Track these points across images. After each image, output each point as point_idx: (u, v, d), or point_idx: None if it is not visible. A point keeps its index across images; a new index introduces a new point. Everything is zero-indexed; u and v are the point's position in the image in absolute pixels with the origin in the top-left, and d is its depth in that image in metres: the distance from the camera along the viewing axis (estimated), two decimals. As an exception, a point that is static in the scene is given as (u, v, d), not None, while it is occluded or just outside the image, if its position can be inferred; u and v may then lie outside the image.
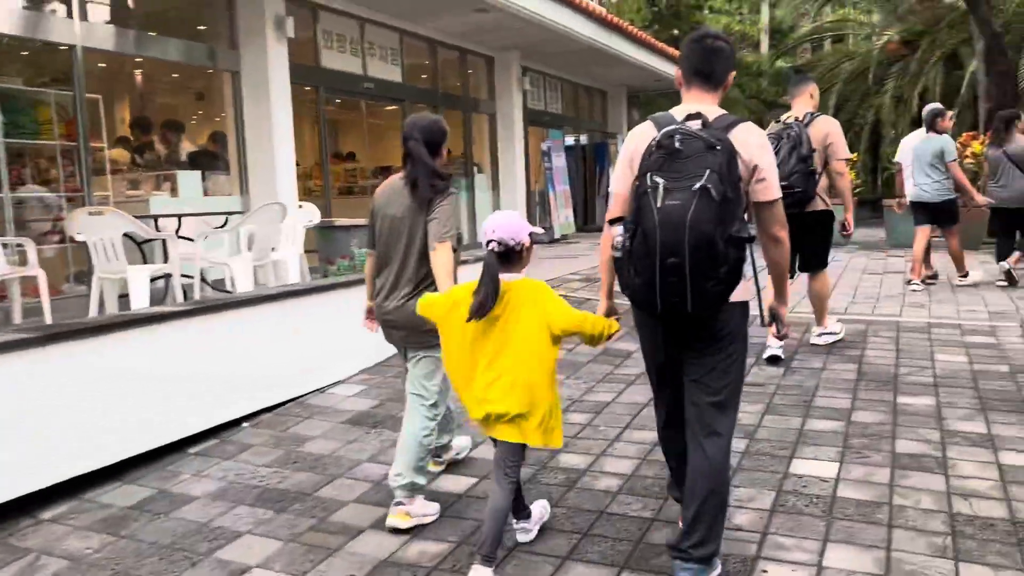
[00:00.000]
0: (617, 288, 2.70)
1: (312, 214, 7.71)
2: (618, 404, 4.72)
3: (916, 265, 8.07)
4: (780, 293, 2.81)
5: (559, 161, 14.89)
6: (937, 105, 8.40)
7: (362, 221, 8.74)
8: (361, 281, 5.47)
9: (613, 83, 18.52)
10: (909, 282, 8.07)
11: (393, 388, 5.13)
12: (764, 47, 24.92)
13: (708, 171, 2.31)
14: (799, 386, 4.85)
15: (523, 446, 2.77)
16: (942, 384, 4.82)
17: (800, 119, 5.27)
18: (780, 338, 2.89)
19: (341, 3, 9.89)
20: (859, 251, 11.69)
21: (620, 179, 2.69)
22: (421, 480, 3.27)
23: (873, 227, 14.87)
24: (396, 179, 3.37)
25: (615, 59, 15.04)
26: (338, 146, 14.81)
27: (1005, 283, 8.00)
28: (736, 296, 2.51)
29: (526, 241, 2.80)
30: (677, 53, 18.50)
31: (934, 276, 8.47)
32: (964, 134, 12.15)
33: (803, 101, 5.44)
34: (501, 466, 2.79)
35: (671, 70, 17.53)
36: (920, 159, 8.00)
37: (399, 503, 3.22)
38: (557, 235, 14.44)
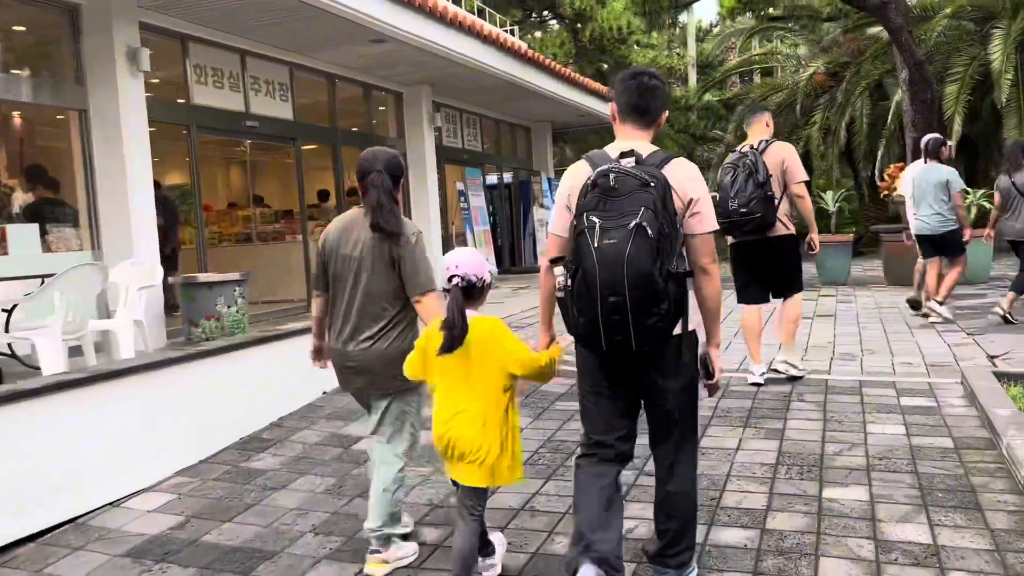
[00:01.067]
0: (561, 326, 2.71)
1: (152, 273, 6.67)
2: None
3: (932, 289, 7.80)
4: (711, 335, 2.73)
5: (477, 201, 14.08)
6: (937, 135, 8.18)
7: (232, 276, 7.81)
8: (203, 353, 4.99)
9: (537, 119, 17.88)
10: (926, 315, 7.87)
11: (209, 498, 4.12)
12: (692, 81, 24.67)
13: (643, 208, 2.35)
14: (707, 475, 3.98)
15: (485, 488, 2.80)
16: (876, 467, 4.00)
17: (755, 146, 5.38)
18: (710, 389, 2.77)
19: (215, 34, 8.95)
20: (790, 290, 11.06)
21: (557, 220, 2.71)
22: (398, 530, 3.24)
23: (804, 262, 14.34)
24: (349, 216, 3.26)
25: (535, 94, 14.39)
26: (255, 189, 13.82)
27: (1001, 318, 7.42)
28: (676, 329, 2.54)
29: (487, 278, 2.86)
30: (603, 88, 18.13)
31: (916, 304, 8.24)
32: (891, 166, 11.67)
33: (759, 130, 5.58)
34: (465, 506, 2.83)
35: (596, 106, 17.02)
36: (922, 190, 7.66)
37: (375, 551, 3.18)
38: (477, 279, 13.54)
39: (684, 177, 2.58)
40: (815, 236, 5.54)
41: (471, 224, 13.63)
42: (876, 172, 18.17)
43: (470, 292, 2.81)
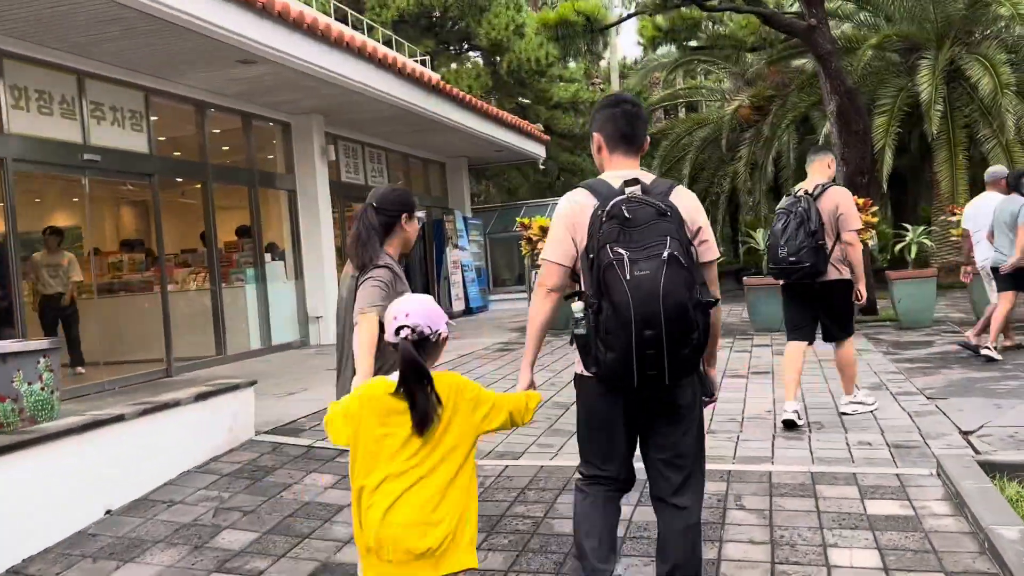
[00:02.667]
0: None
1: None
2: None
3: (996, 331, 7.30)
4: (711, 355, 2.74)
5: (379, 243, 12.69)
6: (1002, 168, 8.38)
7: (36, 344, 6.27)
8: None
9: (451, 154, 16.71)
10: (977, 349, 7.36)
11: None
12: (617, 116, 23.92)
13: (668, 238, 2.33)
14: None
15: None
16: (851, 635, 2.77)
17: (810, 191, 5.26)
18: (707, 405, 2.75)
19: (39, 50, 7.48)
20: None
21: (559, 248, 2.59)
22: None
23: (733, 302, 13.38)
24: None
25: (445, 127, 13.23)
26: (127, 231, 12.16)
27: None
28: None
29: (444, 331, 2.44)
30: (523, 123, 17.11)
31: (1018, 347, 7.75)
32: (860, 200, 10.71)
33: (819, 171, 5.42)
34: None
35: (514, 140, 15.96)
36: (1002, 222, 7.34)
37: None
38: (380, 330, 12.13)
39: (690, 205, 2.56)
40: (862, 287, 5.36)
41: (371, 269, 12.23)
42: (805, 208, 17.53)
43: (422, 346, 2.35)
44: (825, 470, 4.44)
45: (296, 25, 8.56)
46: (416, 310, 2.38)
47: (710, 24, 15.79)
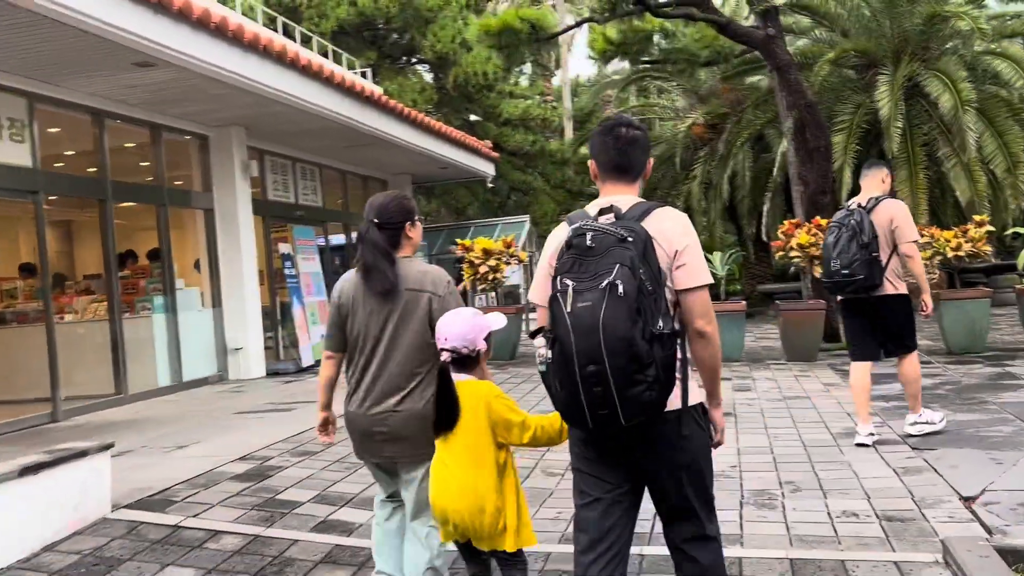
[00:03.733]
0: None
1: None
2: None
3: None
4: (711, 394, 2.52)
5: (310, 266, 11.72)
6: None
7: None
8: None
9: (393, 171, 15.77)
10: None
11: None
12: (569, 134, 23.27)
13: (617, 266, 2.19)
14: None
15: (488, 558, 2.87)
16: None
17: (863, 204, 5.25)
18: (714, 446, 2.56)
19: None
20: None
21: (538, 287, 2.54)
22: None
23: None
24: None
25: (385, 142, 12.31)
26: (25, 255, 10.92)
27: None
28: (675, 403, 2.32)
29: (482, 346, 2.78)
30: (470, 139, 16.25)
31: None
32: (786, 222, 10.09)
33: (873, 185, 5.40)
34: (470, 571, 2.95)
35: (459, 157, 15.12)
36: None
37: None
38: (309, 360, 11.12)
39: (668, 227, 2.37)
40: (927, 298, 5.36)
41: (299, 295, 11.22)
42: (762, 229, 16.98)
43: (463, 363, 2.76)
44: (807, 556, 3.60)
45: (201, 24, 7.60)
46: (453, 331, 2.74)
47: (663, 38, 15.18)
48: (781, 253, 9.82)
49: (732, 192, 17.01)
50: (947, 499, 4.21)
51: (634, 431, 2.25)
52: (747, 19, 15.14)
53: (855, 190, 14.65)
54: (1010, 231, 13.26)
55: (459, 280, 10.05)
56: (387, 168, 15.37)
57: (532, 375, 8.78)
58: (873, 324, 5.37)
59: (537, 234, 20.59)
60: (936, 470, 4.71)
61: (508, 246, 10.50)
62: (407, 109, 12.77)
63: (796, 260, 9.59)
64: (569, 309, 2.19)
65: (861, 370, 5.43)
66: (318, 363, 12.21)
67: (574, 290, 2.20)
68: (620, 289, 2.14)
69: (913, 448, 5.25)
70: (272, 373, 10.67)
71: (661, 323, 2.20)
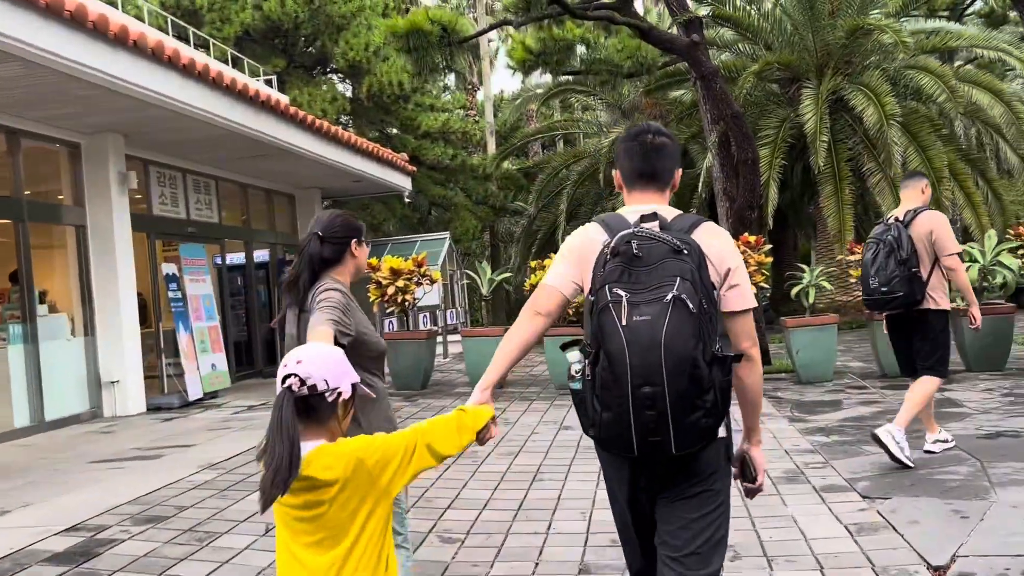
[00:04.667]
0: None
1: None
2: None
3: None
4: (752, 429, 2.36)
5: (199, 288, 10.62)
6: None
7: None
8: None
9: (302, 185, 14.74)
10: None
11: None
12: (491, 148, 22.59)
13: (678, 278, 2.00)
14: None
15: None
16: None
17: (900, 219, 5.13)
18: (751, 493, 2.38)
19: None
20: (561, 397, 8.47)
21: (561, 276, 2.28)
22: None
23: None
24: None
25: (288, 153, 11.34)
26: None
27: None
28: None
29: (346, 392, 1.88)
30: (383, 151, 15.35)
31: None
32: (752, 236, 9.41)
33: (912, 197, 5.25)
34: None
35: (371, 169, 14.20)
36: None
37: None
38: (198, 393, 10.01)
39: (719, 245, 2.19)
40: (975, 310, 5.21)
41: (185, 320, 10.12)
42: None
43: (312, 406, 1.83)
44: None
45: (51, 11, 6.56)
46: (314, 358, 1.87)
47: (584, 48, 14.64)
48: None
49: (657, 209, 16.55)
50: (912, 568, 3.54)
51: (674, 462, 2.10)
52: (671, 30, 14.73)
53: (781, 205, 14.49)
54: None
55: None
56: (294, 181, 14.35)
57: (448, 405, 7.94)
58: (904, 342, 5.26)
59: (459, 251, 19.81)
60: (894, 527, 4.05)
61: (420, 265, 9.65)
62: (312, 118, 11.81)
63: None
64: (624, 322, 1.97)
65: (925, 383, 5.18)
66: (207, 396, 11.25)
67: (629, 302, 1.99)
68: (686, 303, 1.96)
69: (863, 496, 4.60)
70: (153, 408, 9.54)
71: (720, 345, 2.03)
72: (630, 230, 2.11)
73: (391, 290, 9.30)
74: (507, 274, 11.00)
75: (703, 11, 14.88)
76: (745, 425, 2.33)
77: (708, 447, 2.11)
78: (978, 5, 21.73)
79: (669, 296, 1.95)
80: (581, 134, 21.56)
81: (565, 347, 2.22)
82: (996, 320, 8.26)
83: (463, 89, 29.77)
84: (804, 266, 9.57)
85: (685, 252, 2.02)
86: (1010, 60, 13.63)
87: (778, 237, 18.21)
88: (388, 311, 9.61)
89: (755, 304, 2.25)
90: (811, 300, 9.01)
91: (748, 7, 15.10)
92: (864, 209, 16.03)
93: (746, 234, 9.22)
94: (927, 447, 5.33)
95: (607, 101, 19.10)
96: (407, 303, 9.40)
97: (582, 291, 2.25)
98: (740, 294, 2.19)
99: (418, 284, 9.49)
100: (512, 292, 19.55)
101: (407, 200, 17.22)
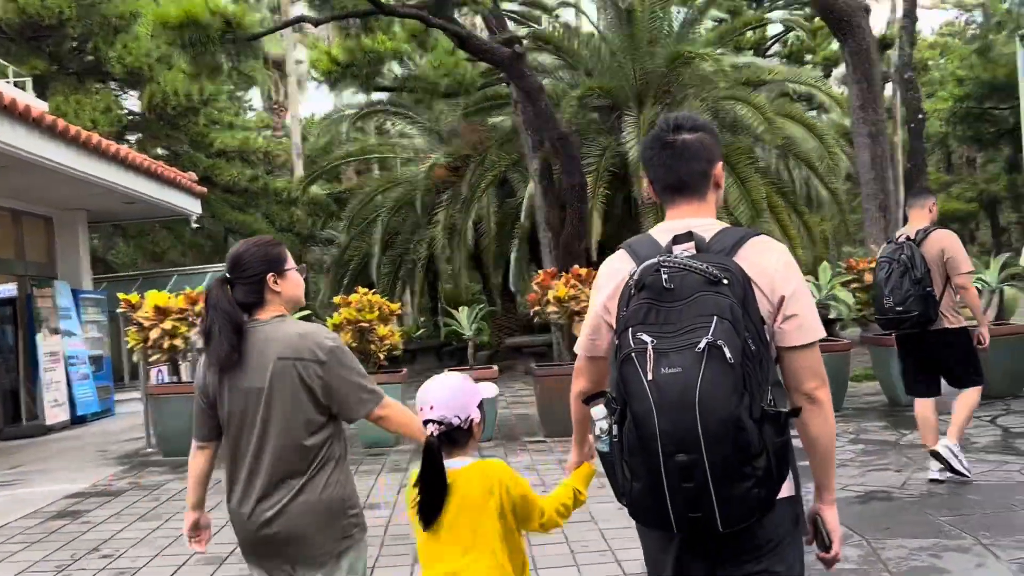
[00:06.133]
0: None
1: None
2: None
3: None
4: (825, 486, 1.96)
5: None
6: None
7: None
8: None
9: (59, 205, 12.43)
10: None
11: None
12: (299, 171, 20.84)
13: (715, 319, 1.67)
14: None
15: None
16: None
17: (912, 237, 5.15)
18: (827, 564, 1.96)
19: None
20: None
21: (587, 335, 2.05)
22: None
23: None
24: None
25: (33, 166, 9.25)
26: None
27: None
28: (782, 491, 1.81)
29: (476, 416, 2.23)
30: (165, 169, 13.22)
31: None
32: (541, 273, 8.54)
33: (921, 216, 5.29)
34: None
35: (148, 189, 12.17)
36: None
37: None
38: None
39: (771, 264, 1.84)
40: (985, 331, 5.25)
41: None
42: (509, 278, 15.72)
43: (453, 438, 2.19)
44: None
45: None
46: (440, 398, 2.21)
47: (398, 63, 13.50)
48: (537, 308, 8.23)
49: (477, 239, 15.66)
50: None
51: (728, 537, 1.74)
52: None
53: (606, 237, 13.98)
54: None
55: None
56: (51, 201, 12.06)
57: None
58: (928, 361, 5.24)
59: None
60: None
61: (194, 303, 7.94)
62: (67, 126, 9.76)
63: (554, 317, 8.03)
64: (651, 376, 1.66)
65: (924, 408, 5.23)
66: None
67: (656, 349, 1.67)
68: (723, 351, 1.63)
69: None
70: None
71: (772, 397, 1.72)
72: (656, 258, 1.79)
73: (155, 333, 7.54)
74: (304, 312, 9.43)
75: (523, 31, 14.23)
76: (816, 482, 1.96)
77: (767, 515, 1.77)
78: (776, 47, 22.82)
79: (703, 344, 1.65)
80: (398, 160, 20.40)
81: (588, 400, 1.97)
82: (833, 358, 7.80)
83: (271, 109, 27.84)
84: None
85: (725, 282, 1.72)
86: (819, 95, 13.88)
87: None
88: (151, 359, 7.81)
89: (821, 335, 1.87)
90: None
91: (567, 32, 14.60)
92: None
93: (576, 267, 8.32)
94: (939, 448, 5.16)
95: (424, 125, 18.06)
96: (176, 350, 7.66)
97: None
98: (800, 325, 1.84)
99: (192, 325, 7.79)
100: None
101: (194, 226, 15.17)
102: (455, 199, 15.84)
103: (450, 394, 2.22)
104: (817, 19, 21.31)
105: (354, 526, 2.46)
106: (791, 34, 22.46)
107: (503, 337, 17.96)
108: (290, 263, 2.56)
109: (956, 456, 5.13)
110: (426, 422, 2.20)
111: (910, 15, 14.88)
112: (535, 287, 8.37)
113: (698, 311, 1.68)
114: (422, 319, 21.23)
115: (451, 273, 16.71)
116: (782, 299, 1.82)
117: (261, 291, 2.47)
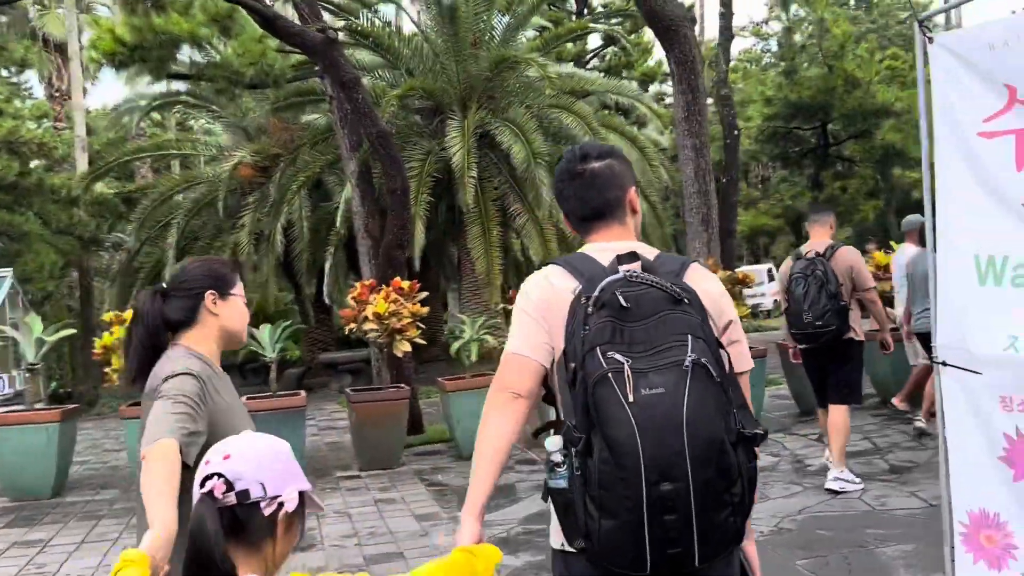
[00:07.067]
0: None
1: None
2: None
3: (928, 404, 6.37)
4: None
5: None
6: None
7: None
8: None
9: None
10: (917, 425, 6.73)
11: None
12: (83, 166, 18.49)
13: (689, 337, 1.62)
14: None
15: None
16: None
17: (821, 253, 5.28)
18: None
19: None
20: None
21: (531, 338, 1.80)
22: None
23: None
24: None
25: None
26: None
27: None
28: None
29: (290, 501, 1.45)
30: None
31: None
32: (359, 285, 7.65)
33: (822, 233, 5.45)
34: None
35: None
36: (921, 278, 6.02)
37: None
38: None
39: (715, 290, 1.85)
40: (888, 336, 5.54)
41: None
42: (324, 288, 14.60)
43: (241, 520, 1.40)
44: None
45: None
46: (248, 453, 1.45)
47: (195, 49, 12.08)
48: (353, 326, 7.34)
49: (288, 245, 14.44)
50: None
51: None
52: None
53: (429, 246, 13.24)
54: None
55: None
56: None
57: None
58: (821, 373, 5.39)
59: (28, 294, 15.61)
60: None
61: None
62: None
63: (373, 335, 7.18)
64: (631, 398, 1.55)
65: (842, 413, 5.30)
66: None
67: (633, 369, 1.57)
68: (709, 369, 1.59)
69: None
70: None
71: (743, 419, 1.64)
72: (619, 275, 1.70)
73: None
74: (68, 331, 7.90)
75: (339, 23, 13.24)
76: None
77: (729, 556, 1.70)
78: (595, 62, 23.15)
79: (688, 361, 1.58)
80: (201, 158, 18.63)
81: (538, 432, 1.85)
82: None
83: (52, 97, 24.85)
84: (464, 316, 8.14)
85: (687, 301, 1.67)
86: (640, 108, 13.93)
87: (422, 281, 17.09)
88: None
89: (752, 364, 1.87)
90: (474, 358, 7.55)
91: (388, 27, 13.77)
92: (505, 252, 15.48)
93: (397, 278, 7.53)
94: (830, 483, 5.30)
95: (228, 120, 16.54)
96: None
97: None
98: (742, 352, 1.85)
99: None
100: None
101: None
102: (263, 201, 14.57)
103: (263, 452, 1.48)
104: (637, 33, 21.89)
105: None
106: (609, 48, 22.89)
107: (316, 352, 16.73)
108: (238, 290, 2.26)
109: (848, 481, 5.34)
110: (206, 479, 1.42)
111: (725, 32, 15.35)
112: (351, 301, 7.49)
113: (670, 330, 1.62)
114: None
115: (259, 283, 15.33)
116: (728, 324, 1.83)
117: (195, 309, 2.17)
